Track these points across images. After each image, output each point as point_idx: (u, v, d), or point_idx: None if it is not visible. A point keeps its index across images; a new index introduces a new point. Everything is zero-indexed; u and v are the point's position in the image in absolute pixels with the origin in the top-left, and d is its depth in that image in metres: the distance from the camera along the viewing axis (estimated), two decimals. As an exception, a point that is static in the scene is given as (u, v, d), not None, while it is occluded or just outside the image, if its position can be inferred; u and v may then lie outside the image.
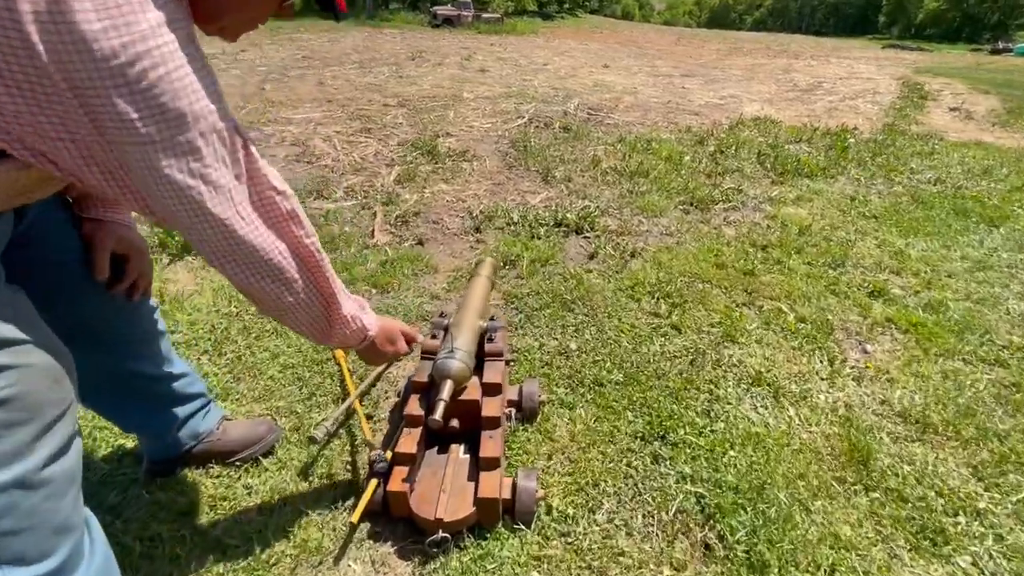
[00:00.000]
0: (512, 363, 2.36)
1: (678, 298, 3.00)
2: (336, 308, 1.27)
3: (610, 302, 2.96)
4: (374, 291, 3.05)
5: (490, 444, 1.68)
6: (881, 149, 6.46)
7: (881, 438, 2.09)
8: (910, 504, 1.81)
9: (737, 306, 2.97)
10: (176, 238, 3.44)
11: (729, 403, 2.24)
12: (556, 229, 3.98)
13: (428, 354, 1.87)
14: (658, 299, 3.00)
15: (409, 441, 1.69)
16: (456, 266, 3.38)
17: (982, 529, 1.74)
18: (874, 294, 3.14)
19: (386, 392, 2.29)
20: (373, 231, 3.87)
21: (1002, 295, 3.14)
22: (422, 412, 1.74)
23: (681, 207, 4.50)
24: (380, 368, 2.29)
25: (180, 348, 2.48)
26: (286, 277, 1.10)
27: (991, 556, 1.65)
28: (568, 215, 4.10)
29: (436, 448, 1.81)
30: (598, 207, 4.36)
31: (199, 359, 2.43)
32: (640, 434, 2.06)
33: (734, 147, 6.38)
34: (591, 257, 3.58)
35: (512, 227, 3.98)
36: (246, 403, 2.19)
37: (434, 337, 1.93)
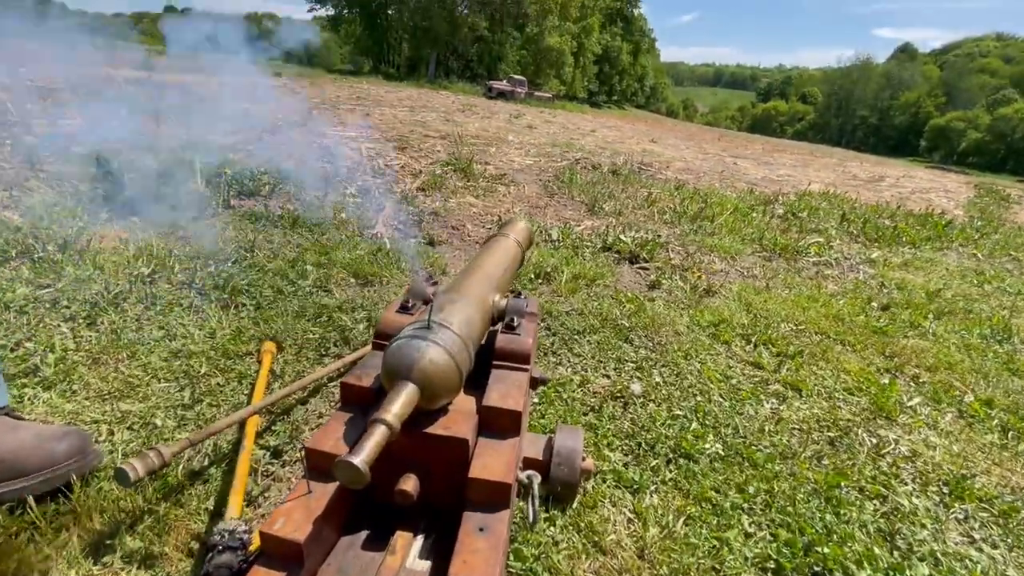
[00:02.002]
0: (542, 387, 1.40)
1: (786, 347, 2.03)
2: None
3: (686, 339, 2.01)
4: (353, 280, 2.18)
5: (480, 549, 0.71)
6: (987, 233, 5.52)
7: None
8: None
9: (879, 371, 1.98)
10: (127, 193, 2.71)
11: (922, 525, 1.22)
12: (605, 253, 3.11)
13: (384, 337, 0.94)
14: (755, 345, 2.03)
15: (297, 513, 0.74)
16: (472, 272, 2.51)
17: None
18: (1074, 383, 2.10)
19: (321, 417, 1.36)
20: (377, 222, 3.06)
21: None
22: (347, 448, 0.80)
23: (760, 253, 3.60)
24: (318, 373, 1.37)
25: (37, 309, 1.63)
26: None
27: None
28: (622, 240, 3.24)
29: (364, 535, 0.84)
30: (656, 239, 3.49)
31: (55, 327, 1.56)
32: (773, 564, 1.05)
33: (807, 211, 5.53)
34: (652, 286, 2.66)
35: (550, 243, 3.13)
36: (80, 399, 1.28)
37: (404, 310, 1.01)
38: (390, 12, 48.08)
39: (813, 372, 1.88)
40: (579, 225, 3.86)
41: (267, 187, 3.48)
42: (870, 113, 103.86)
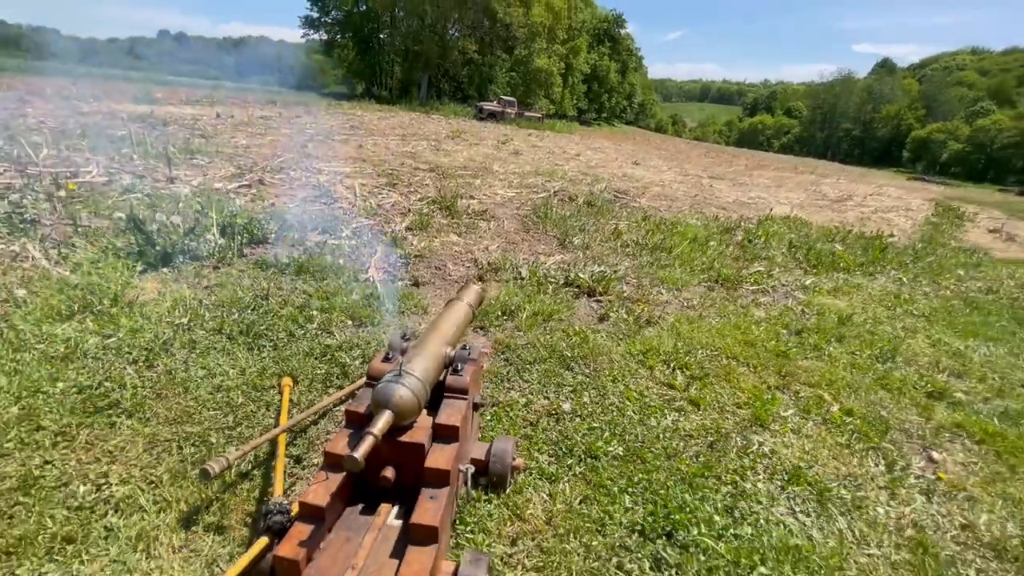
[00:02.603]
0: (483, 408, 1.91)
1: (698, 370, 2.54)
2: None
3: (617, 366, 2.52)
4: (349, 322, 2.69)
5: (429, 508, 1.22)
6: (922, 256, 6.09)
7: (965, 572, 1.53)
8: None
9: (768, 388, 2.49)
10: (157, 248, 3.21)
11: (759, 501, 1.72)
12: (566, 288, 3.63)
13: (373, 379, 1.45)
14: (674, 369, 2.55)
15: (321, 490, 1.24)
16: (449, 310, 3.01)
17: None
18: (934, 395, 2.63)
19: (329, 433, 1.85)
20: (369, 266, 3.58)
21: (1094, 414, 2.59)
22: (350, 450, 1.31)
23: (705, 283, 4.14)
24: (325, 401, 1.87)
25: (107, 356, 2.12)
26: None
27: None
28: (581, 276, 3.77)
29: (361, 506, 1.34)
30: (615, 273, 4.02)
31: (123, 369, 2.05)
32: (639, 527, 1.55)
33: (763, 238, 6.10)
34: (602, 319, 3.18)
35: (518, 280, 3.66)
36: (154, 424, 1.77)
37: (386, 359, 1.52)
38: (382, 36, 49.24)
39: (714, 390, 2.39)
40: (549, 259, 4.39)
41: (273, 235, 3.98)
42: (854, 126, 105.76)
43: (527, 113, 41.68)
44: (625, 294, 3.65)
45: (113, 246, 3.31)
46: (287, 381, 2.04)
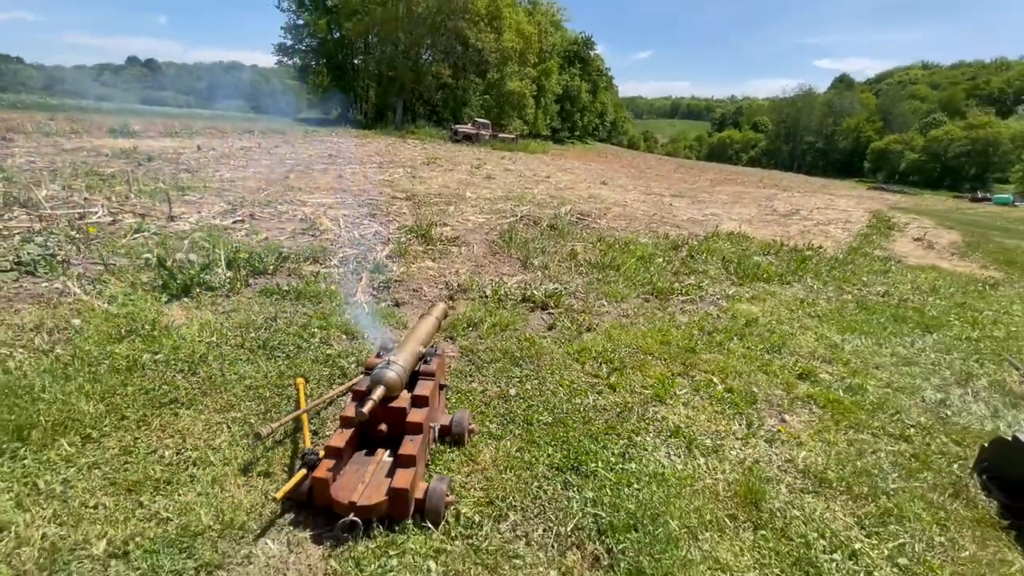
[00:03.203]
0: (446, 389, 2.61)
1: (619, 364, 3.29)
2: None
3: (556, 363, 3.25)
4: (344, 336, 3.37)
5: (410, 445, 1.91)
6: (840, 265, 7.00)
7: (779, 488, 2.27)
8: (793, 542, 1.97)
9: (672, 375, 3.24)
10: (178, 281, 3.84)
11: (645, 449, 2.45)
12: (523, 303, 4.36)
13: (369, 369, 2.16)
14: (600, 363, 3.29)
15: (339, 438, 1.93)
16: (425, 325, 3.72)
17: (854, 567, 1.88)
18: (802, 376, 3.41)
19: (335, 416, 2.52)
20: (357, 291, 4.26)
21: (921, 386, 3.40)
22: (353, 419, 2.00)
23: (643, 296, 4.91)
24: (332, 392, 2.55)
25: (159, 367, 2.76)
26: None
27: (858, 589, 1.79)
28: (536, 293, 4.50)
29: (365, 451, 2.03)
30: (566, 290, 4.77)
31: (174, 376, 2.70)
32: (556, 465, 2.26)
33: (705, 254, 6.95)
34: (550, 328, 3.91)
35: (483, 298, 4.37)
36: (207, 412, 2.42)
37: (378, 356, 2.22)
38: (356, 63, 50.25)
39: (629, 378, 3.13)
40: (511, 279, 5.12)
41: (272, 266, 4.62)
42: (816, 139, 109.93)
43: (501, 135, 42.71)
44: (573, 307, 4.39)
45: (140, 281, 3.93)
46: (300, 380, 2.71)
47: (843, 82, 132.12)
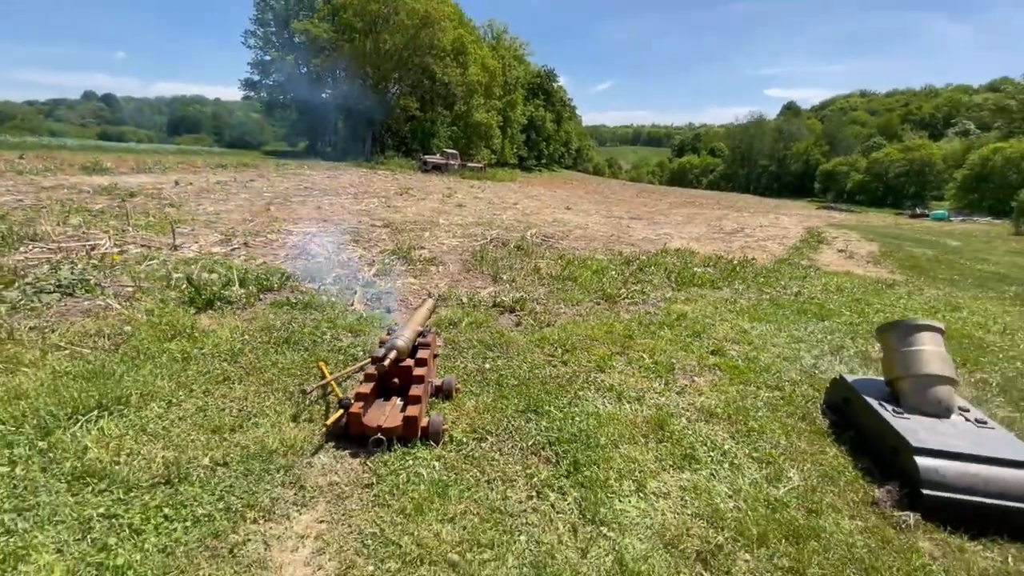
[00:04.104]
0: (437, 357, 3.44)
1: (570, 347, 4.18)
2: None
3: (522, 348, 4.11)
4: (350, 334, 4.16)
5: (415, 389, 2.73)
6: (767, 273, 8.14)
7: (680, 420, 3.17)
8: (683, 445, 2.86)
9: (612, 354, 4.15)
10: (203, 296, 4.57)
11: (586, 399, 3.32)
12: (494, 308, 5.23)
13: (383, 342, 2.98)
14: (556, 347, 4.17)
15: (365, 387, 2.74)
16: (414, 325, 4.53)
17: (722, 458, 2.78)
18: (714, 352, 4.36)
19: (353, 387, 3.31)
20: (353, 302, 5.06)
21: (803, 356, 4.39)
22: (375, 372, 2.81)
23: (594, 300, 5.85)
24: (350, 368, 3.35)
25: (207, 358, 3.51)
26: None
27: (722, 472, 2.68)
28: (505, 300, 5.38)
29: (383, 398, 2.83)
30: (530, 297, 5.67)
31: (222, 364, 3.44)
32: (520, 409, 3.10)
33: (652, 267, 7.99)
34: (516, 325, 4.79)
35: (461, 305, 5.22)
36: (255, 385, 3.19)
37: (388, 334, 3.05)
38: (324, 97, 51.32)
39: (578, 356, 4.01)
40: (484, 291, 5.99)
41: (277, 284, 5.37)
42: (770, 162, 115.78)
43: (470, 164, 44.00)
44: (535, 310, 5.28)
45: (168, 298, 4.63)
46: (322, 363, 3.49)
47: (791, 109, 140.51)
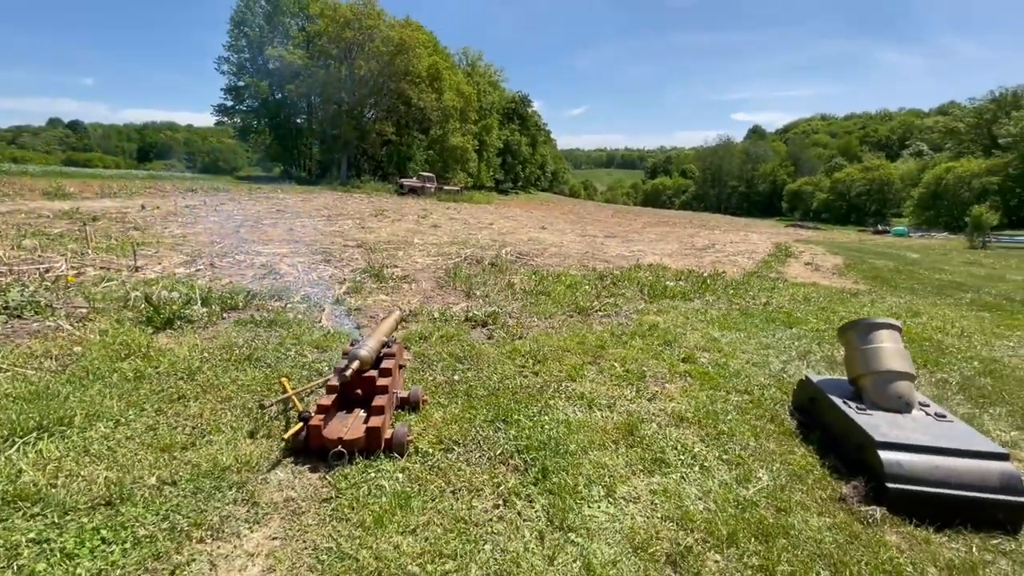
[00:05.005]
0: (404, 368, 3.35)
1: (542, 358, 4.14)
2: None
3: (492, 360, 4.06)
4: (316, 350, 4.04)
5: (379, 399, 2.65)
6: (736, 285, 8.29)
7: (651, 425, 3.14)
8: (654, 449, 2.82)
9: (584, 363, 4.12)
10: (162, 315, 4.40)
11: (556, 408, 3.27)
12: (466, 323, 5.17)
13: (347, 353, 2.89)
14: (527, 358, 4.13)
15: (326, 399, 2.64)
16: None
17: (692, 461, 2.75)
18: (685, 360, 4.37)
19: (315, 401, 3.19)
20: (321, 319, 4.94)
21: (771, 361, 4.44)
22: (338, 385, 2.72)
23: (567, 313, 5.84)
24: (313, 384, 3.24)
25: (162, 376, 3.35)
26: None
27: (692, 475, 2.65)
28: (477, 314, 5.33)
29: (345, 411, 2.74)
30: (503, 311, 5.63)
31: (177, 382, 3.30)
32: (489, 419, 3.04)
33: (625, 281, 8.05)
34: (488, 338, 4.73)
35: (432, 320, 5.15)
36: (211, 403, 3.05)
37: (352, 345, 2.96)
38: (299, 121, 51.21)
39: (549, 367, 3.97)
40: (456, 306, 5.93)
41: (242, 303, 5.22)
42: (739, 183, 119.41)
43: (446, 187, 44.20)
44: (508, 323, 5.24)
45: (125, 317, 4.45)
46: (284, 379, 3.37)
47: (756, 132, 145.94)
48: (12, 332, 4.04)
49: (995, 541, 2.23)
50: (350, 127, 45.39)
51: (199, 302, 4.91)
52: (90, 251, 7.83)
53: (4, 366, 3.35)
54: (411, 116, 48.56)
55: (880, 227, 64.31)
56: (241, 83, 48.40)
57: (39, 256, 7.27)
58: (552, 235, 16.70)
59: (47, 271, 6.23)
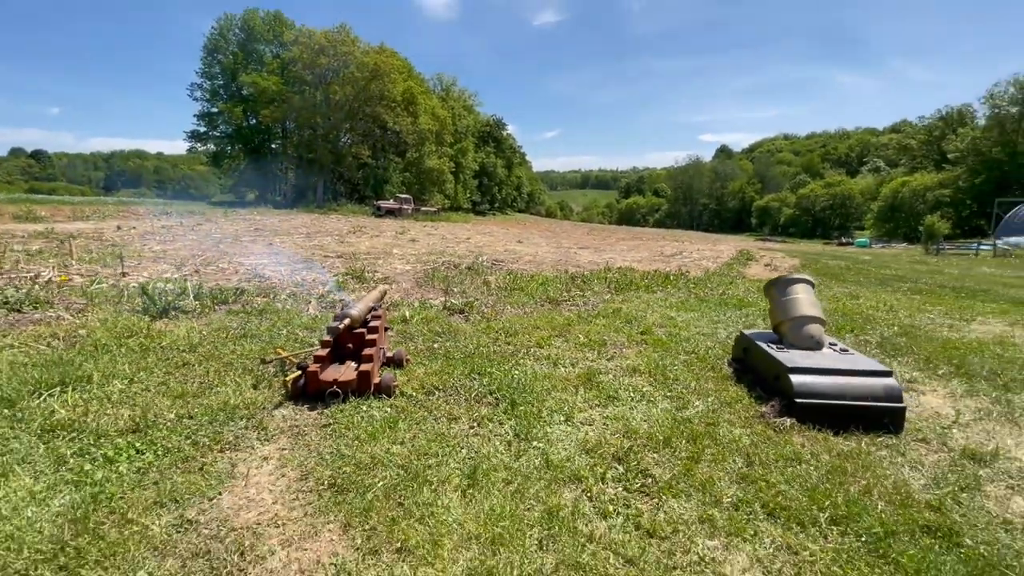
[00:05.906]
0: (389, 330, 3.74)
1: (514, 332, 4.58)
2: None
3: (469, 334, 4.48)
4: (305, 330, 4.41)
5: (368, 351, 3.05)
6: (698, 281, 8.89)
7: (608, 375, 3.59)
8: (609, 391, 3.27)
9: (551, 336, 4.57)
10: (158, 305, 4.71)
11: (526, 366, 3.71)
12: (444, 311, 5.58)
13: (337, 317, 3.29)
14: (501, 333, 4.56)
15: (322, 352, 3.03)
16: (367, 323, 4.82)
17: (640, 397, 3.20)
18: (643, 333, 4.86)
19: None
20: (308, 308, 5.30)
21: (717, 332, 4.95)
22: (331, 340, 3.10)
23: (539, 303, 6.30)
24: (307, 350, 3.61)
25: (166, 350, 3.68)
26: None
27: (639, 406, 3.09)
28: (455, 303, 5.75)
29: (338, 363, 3.12)
30: (479, 302, 6.06)
31: (181, 353, 3.63)
32: (466, 374, 3.45)
33: (594, 280, 8.57)
34: (465, 320, 5.15)
35: (412, 308, 5.55)
36: (216, 365, 3.39)
37: (342, 310, 3.37)
38: (274, 147, 51.40)
39: (520, 338, 4.41)
40: (435, 300, 6.34)
41: (232, 298, 5.54)
42: (709, 200, 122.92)
43: (423, 208, 44.61)
44: (484, 312, 5.67)
45: (122, 309, 4.74)
46: (279, 349, 3.73)
47: (724, 152, 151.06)
48: (15, 321, 4.30)
49: (880, 438, 2.73)
50: (326, 151, 45.74)
51: (191, 295, 5.22)
52: (74, 262, 8.02)
53: (16, 344, 3.64)
54: (387, 140, 49.21)
55: (844, 239, 66.78)
56: (215, 109, 48.52)
57: (22, 268, 7.44)
58: (528, 247, 17.25)
59: (36, 276, 6.43)
